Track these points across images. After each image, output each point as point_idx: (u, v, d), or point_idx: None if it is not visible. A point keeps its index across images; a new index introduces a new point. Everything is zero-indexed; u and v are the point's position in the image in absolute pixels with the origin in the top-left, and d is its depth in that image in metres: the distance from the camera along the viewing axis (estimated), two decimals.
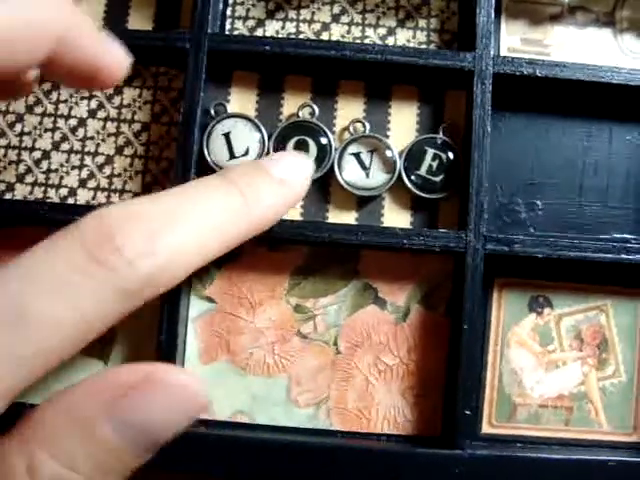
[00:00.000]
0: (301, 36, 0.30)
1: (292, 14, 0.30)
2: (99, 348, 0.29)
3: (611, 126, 0.30)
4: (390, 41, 0.30)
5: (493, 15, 0.29)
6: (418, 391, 0.29)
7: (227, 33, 0.30)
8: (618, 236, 0.30)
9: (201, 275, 0.29)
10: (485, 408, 0.29)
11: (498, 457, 0.28)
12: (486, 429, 0.29)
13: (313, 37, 0.30)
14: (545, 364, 0.30)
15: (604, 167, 0.30)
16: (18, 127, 0.30)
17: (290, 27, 0.30)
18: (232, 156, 0.29)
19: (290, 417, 0.29)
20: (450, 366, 0.29)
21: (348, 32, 0.30)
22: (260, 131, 0.29)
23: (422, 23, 0.30)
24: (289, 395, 0.29)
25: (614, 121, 0.30)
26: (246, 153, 0.29)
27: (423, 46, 0.30)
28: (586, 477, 0.28)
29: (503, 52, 0.30)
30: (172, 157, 0.29)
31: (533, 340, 0.30)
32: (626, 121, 0.30)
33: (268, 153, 0.29)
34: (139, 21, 0.30)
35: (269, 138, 0.29)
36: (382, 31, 0.30)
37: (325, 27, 0.30)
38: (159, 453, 0.19)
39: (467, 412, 0.27)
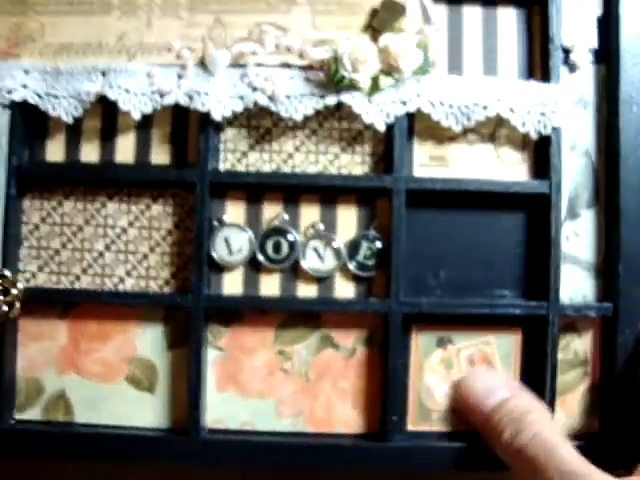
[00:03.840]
0: (273, 163, 0.43)
1: (266, 146, 0.43)
2: (146, 383, 0.43)
3: (494, 217, 0.43)
4: (336, 164, 0.43)
5: (405, 144, 0.42)
6: (363, 404, 0.43)
7: (221, 169, 0.43)
8: (497, 291, 0.43)
9: (214, 332, 0.43)
10: (409, 413, 0.44)
11: (415, 446, 0.42)
12: (410, 427, 0.44)
13: (282, 163, 0.43)
14: (449, 382, 0.44)
15: (489, 246, 0.43)
16: (80, 235, 0.43)
17: (265, 156, 0.43)
18: (230, 253, 0.42)
19: (278, 424, 0.43)
20: (383, 387, 0.43)
21: (306, 158, 0.43)
22: (248, 233, 0.42)
23: (358, 149, 0.43)
24: (277, 410, 0.43)
25: (496, 213, 0.43)
26: (240, 250, 0.42)
27: (358, 167, 0.43)
28: None
29: (415, 167, 0.43)
30: (189, 253, 0.43)
31: (440, 366, 0.43)
32: (505, 213, 0.43)
33: (255, 251, 0.42)
34: (160, 156, 0.43)
35: (255, 238, 0.42)
36: (330, 157, 0.43)
37: (290, 156, 0.43)
38: None
39: (394, 418, 0.42)
